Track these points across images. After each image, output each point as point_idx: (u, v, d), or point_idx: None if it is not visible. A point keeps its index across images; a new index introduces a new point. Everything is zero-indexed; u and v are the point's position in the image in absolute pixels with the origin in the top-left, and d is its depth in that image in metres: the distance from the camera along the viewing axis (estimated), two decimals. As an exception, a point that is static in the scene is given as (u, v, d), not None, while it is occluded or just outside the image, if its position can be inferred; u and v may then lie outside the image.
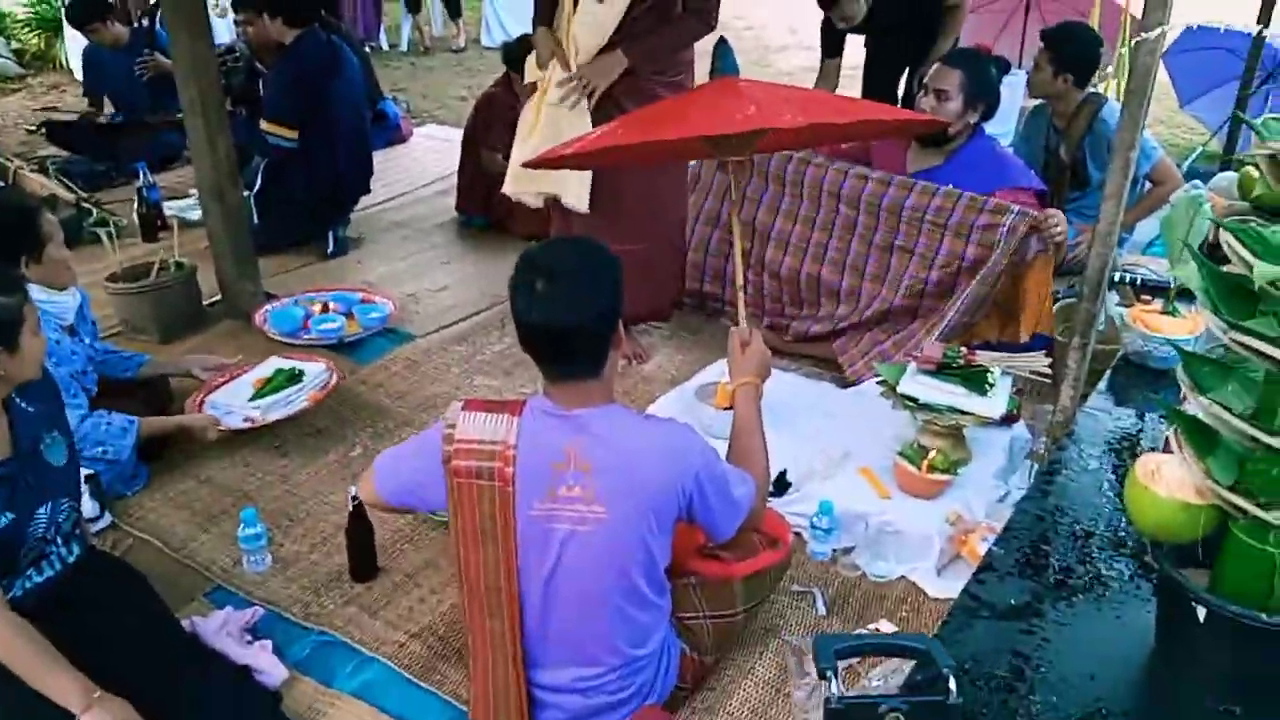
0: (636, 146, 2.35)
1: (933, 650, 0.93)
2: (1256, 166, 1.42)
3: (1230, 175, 3.06)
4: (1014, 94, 5.15)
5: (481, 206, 4.70)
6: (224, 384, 3.09)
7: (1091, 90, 3.93)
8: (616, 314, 1.79)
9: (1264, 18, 4.53)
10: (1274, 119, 1.40)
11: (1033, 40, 5.93)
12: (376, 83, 6.07)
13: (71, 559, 2.08)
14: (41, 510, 1.97)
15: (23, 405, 1.99)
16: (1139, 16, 4.96)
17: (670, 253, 3.47)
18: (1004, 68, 3.40)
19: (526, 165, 2.76)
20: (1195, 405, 1.41)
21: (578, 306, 1.71)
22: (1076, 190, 4.03)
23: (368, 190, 4.65)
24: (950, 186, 3.15)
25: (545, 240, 1.86)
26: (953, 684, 0.88)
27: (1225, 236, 1.29)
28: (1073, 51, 3.80)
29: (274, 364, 3.17)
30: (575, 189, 3.17)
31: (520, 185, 3.32)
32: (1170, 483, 1.46)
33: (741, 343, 2.18)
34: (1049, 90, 3.87)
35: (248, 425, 2.91)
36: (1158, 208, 3.82)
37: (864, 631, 2.29)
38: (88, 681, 1.79)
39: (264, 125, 4.13)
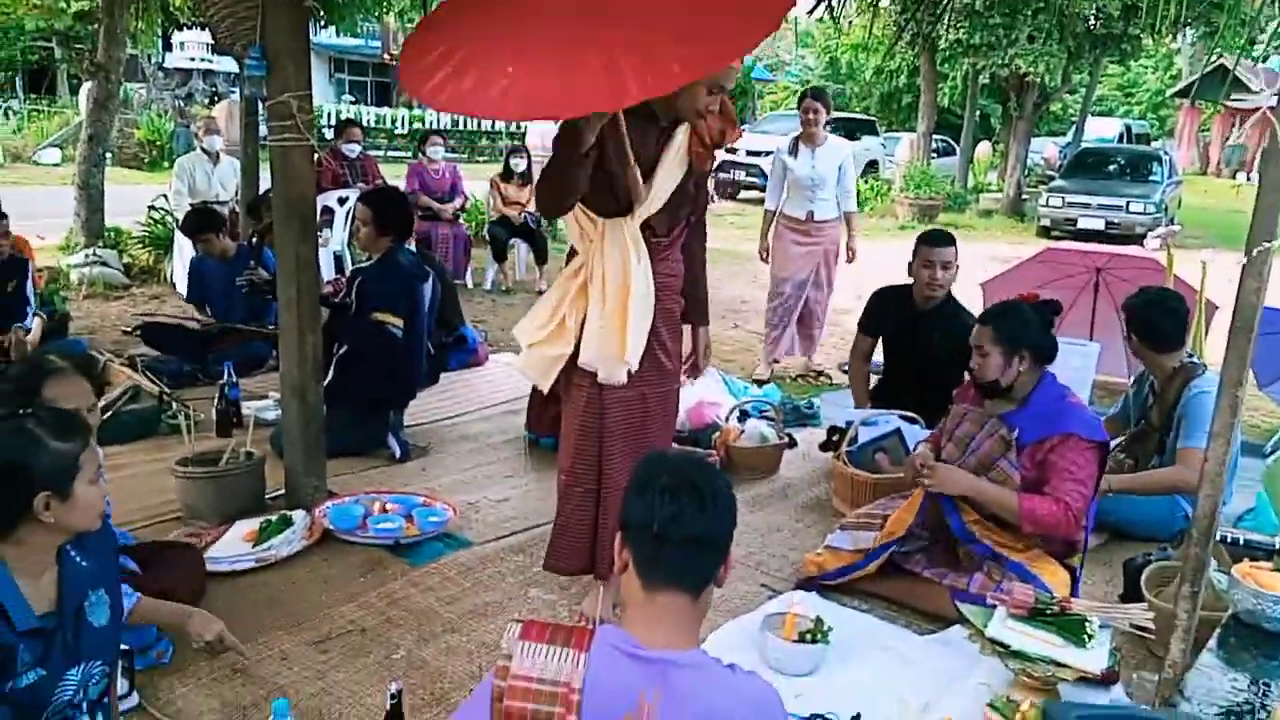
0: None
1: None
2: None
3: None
4: (1086, 363, 5.15)
5: (551, 427, 4.70)
6: (212, 542, 3.33)
7: (1190, 359, 3.81)
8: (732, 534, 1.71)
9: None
10: None
11: (1103, 315, 6.02)
12: (459, 309, 6.29)
13: (93, 731, 1.93)
14: (73, 672, 1.86)
15: (76, 558, 1.92)
16: (1212, 300, 5.00)
17: None
18: (1055, 309, 3.33)
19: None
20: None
21: (721, 520, 1.65)
22: (1158, 455, 3.91)
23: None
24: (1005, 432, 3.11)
25: (658, 454, 1.79)
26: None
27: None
28: (1144, 319, 3.80)
29: (249, 522, 3.46)
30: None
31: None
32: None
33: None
34: (1140, 356, 3.89)
35: (260, 564, 3.24)
36: (1159, 488, 3.68)
37: None
38: None
39: (376, 315, 4.30)
